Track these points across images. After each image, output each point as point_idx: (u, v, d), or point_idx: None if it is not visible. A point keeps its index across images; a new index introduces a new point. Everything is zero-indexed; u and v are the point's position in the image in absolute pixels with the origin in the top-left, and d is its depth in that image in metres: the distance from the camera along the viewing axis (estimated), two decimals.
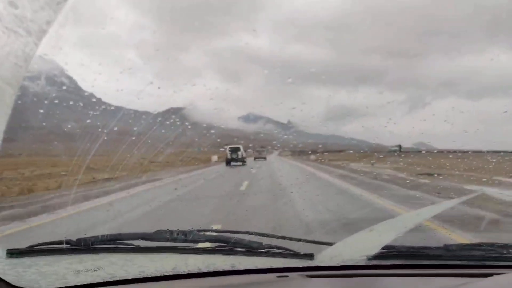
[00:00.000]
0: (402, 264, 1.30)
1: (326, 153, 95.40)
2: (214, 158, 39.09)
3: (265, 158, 41.83)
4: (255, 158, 41.62)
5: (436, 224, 5.17)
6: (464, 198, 4.21)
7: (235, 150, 30.61)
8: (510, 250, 1.33)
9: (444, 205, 1.96)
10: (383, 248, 1.32)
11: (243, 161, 30.35)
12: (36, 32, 1.19)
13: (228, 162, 29.85)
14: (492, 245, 1.37)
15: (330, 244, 1.43)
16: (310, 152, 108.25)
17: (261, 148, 48.15)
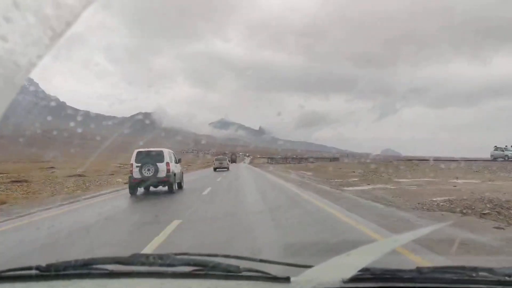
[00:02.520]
0: (376, 287, 1.32)
1: (312, 161, 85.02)
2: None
3: (227, 168, 37.39)
4: (215, 169, 36.70)
5: (412, 248, 5.10)
6: (442, 224, 4.75)
7: (221, 160, 39.50)
8: (479, 273, 1.36)
9: (422, 231, 2.01)
10: (358, 271, 1.33)
11: (227, 167, 37.93)
12: (25, 65, 1.16)
13: (215, 169, 36.79)
14: (463, 268, 1.40)
15: (309, 267, 1.43)
16: (290, 161, 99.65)
17: (222, 155, 45.17)
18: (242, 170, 40.58)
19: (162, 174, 13.06)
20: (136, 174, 12.97)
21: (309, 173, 28.09)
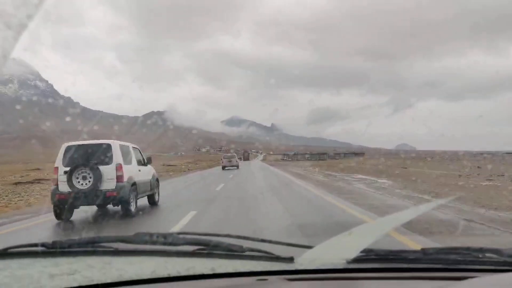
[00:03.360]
0: (380, 268, 1.33)
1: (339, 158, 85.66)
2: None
3: (237, 167, 34.71)
4: (223, 167, 34.36)
5: (414, 228, 5.20)
6: (441, 201, 4.56)
7: (229, 157, 37.04)
8: (485, 254, 1.36)
9: (421, 209, 1.98)
10: (362, 252, 1.32)
11: (237, 166, 35.28)
12: (16, 26, 1.15)
13: (224, 167, 34.53)
14: (468, 249, 1.40)
15: (310, 247, 1.42)
16: (308, 157, 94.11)
17: (230, 153, 41.30)
18: (256, 169, 33.31)
19: (108, 185, 7.80)
20: (63, 186, 7.75)
21: (386, 181, 16.45)
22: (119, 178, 7.92)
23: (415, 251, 1.41)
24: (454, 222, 6.39)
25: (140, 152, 9.79)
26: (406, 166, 30.37)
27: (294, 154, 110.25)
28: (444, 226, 5.90)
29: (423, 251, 1.39)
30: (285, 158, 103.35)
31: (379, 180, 16.94)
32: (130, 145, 9.30)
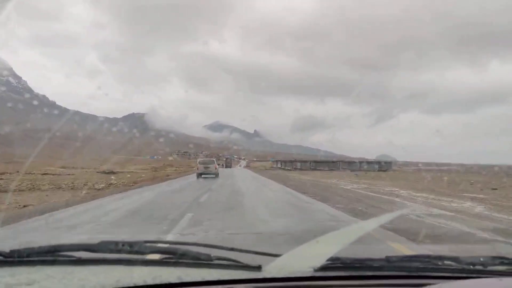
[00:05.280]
0: (346, 276, 1.35)
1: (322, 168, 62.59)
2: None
3: (215, 175, 27.56)
4: (198, 175, 27.07)
5: (379, 235, 5.65)
6: (404, 211, 4.60)
7: (207, 163, 29.15)
8: (444, 262, 1.42)
9: (386, 217, 2.02)
10: (329, 260, 1.35)
11: (215, 174, 28.11)
12: None
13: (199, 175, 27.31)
14: (428, 256, 1.48)
15: (278, 255, 1.42)
16: (312, 167, 63.65)
17: (208, 158, 33.41)
18: (245, 184, 21.78)
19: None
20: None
21: None
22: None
23: (379, 259, 1.43)
24: None
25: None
26: (494, 186, 20.86)
27: (293, 161, 78.83)
28: None
29: (387, 259, 1.43)
30: (282, 167, 74.90)
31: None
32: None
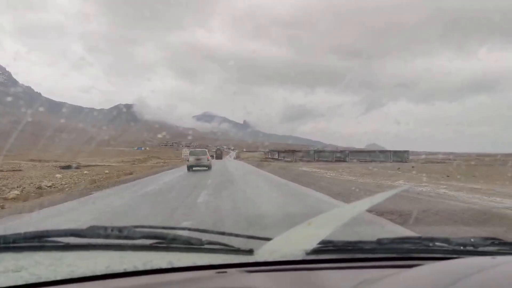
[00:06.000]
0: (338, 258, 1.36)
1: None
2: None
3: (207, 167, 25.03)
4: (189, 168, 24.78)
5: (371, 216, 5.62)
6: (395, 191, 4.54)
7: (198, 154, 25.43)
8: (435, 243, 1.44)
9: (378, 198, 2.04)
10: (320, 243, 1.35)
11: (208, 166, 25.35)
12: None
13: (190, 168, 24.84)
14: (419, 238, 1.50)
15: (269, 239, 1.41)
16: (317, 158, 51.42)
17: (200, 149, 29.17)
18: (244, 180, 18.05)
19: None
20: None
21: None
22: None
23: (371, 242, 1.43)
24: None
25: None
26: None
27: (292, 151, 65.06)
28: None
29: (379, 241, 1.43)
30: (279, 158, 64.03)
31: None
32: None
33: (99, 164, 38.11)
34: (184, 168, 26.57)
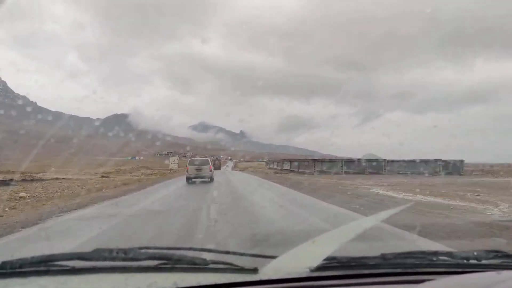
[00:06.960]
0: (343, 275, 1.35)
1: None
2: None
3: (210, 179, 22.49)
4: (188, 179, 21.90)
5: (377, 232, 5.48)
6: (402, 207, 4.31)
7: (199, 164, 22.70)
8: (439, 258, 1.43)
9: (383, 215, 1.99)
10: (325, 259, 1.34)
11: (210, 178, 22.64)
12: None
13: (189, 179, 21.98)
14: (423, 252, 1.48)
15: (274, 257, 1.41)
16: (344, 169, 38.87)
17: (201, 157, 26.91)
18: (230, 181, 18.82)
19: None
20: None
21: None
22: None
23: (375, 257, 1.43)
24: None
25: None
26: None
27: (313, 161, 48.33)
28: None
29: (383, 256, 1.43)
30: (286, 168, 52.22)
31: None
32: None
33: (60, 177, 28.07)
34: (172, 183, 22.34)
